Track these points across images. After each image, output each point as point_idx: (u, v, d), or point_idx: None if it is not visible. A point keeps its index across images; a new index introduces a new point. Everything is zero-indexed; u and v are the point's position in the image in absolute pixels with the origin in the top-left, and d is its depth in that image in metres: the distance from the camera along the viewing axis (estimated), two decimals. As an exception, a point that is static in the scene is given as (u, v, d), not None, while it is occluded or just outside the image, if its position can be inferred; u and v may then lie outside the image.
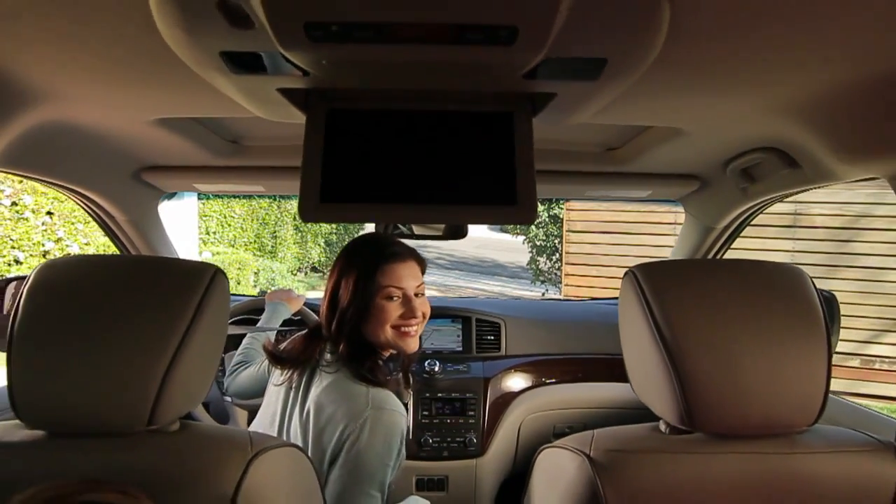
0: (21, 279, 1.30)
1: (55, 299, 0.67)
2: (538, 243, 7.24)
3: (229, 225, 7.74)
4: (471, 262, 10.95)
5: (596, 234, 5.53)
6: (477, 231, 12.77)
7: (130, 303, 0.66)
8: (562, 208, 6.18)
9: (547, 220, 7.03)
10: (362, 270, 0.99)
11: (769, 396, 0.68)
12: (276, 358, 1.07)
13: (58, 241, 5.56)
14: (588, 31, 0.45)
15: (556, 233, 6.89)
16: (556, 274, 7.03)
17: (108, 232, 1.38)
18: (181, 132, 0.99)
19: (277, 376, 1.09)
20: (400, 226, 1.18)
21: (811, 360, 0.69)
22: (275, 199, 8.42)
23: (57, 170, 1.05)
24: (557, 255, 6.91)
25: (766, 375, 0.68)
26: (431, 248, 11.75)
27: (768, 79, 0.65)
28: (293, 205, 9.17)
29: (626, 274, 0.76)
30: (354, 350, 1.00)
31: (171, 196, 1.40)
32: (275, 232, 8.51)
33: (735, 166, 1.09)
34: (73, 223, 5.68)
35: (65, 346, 0.65)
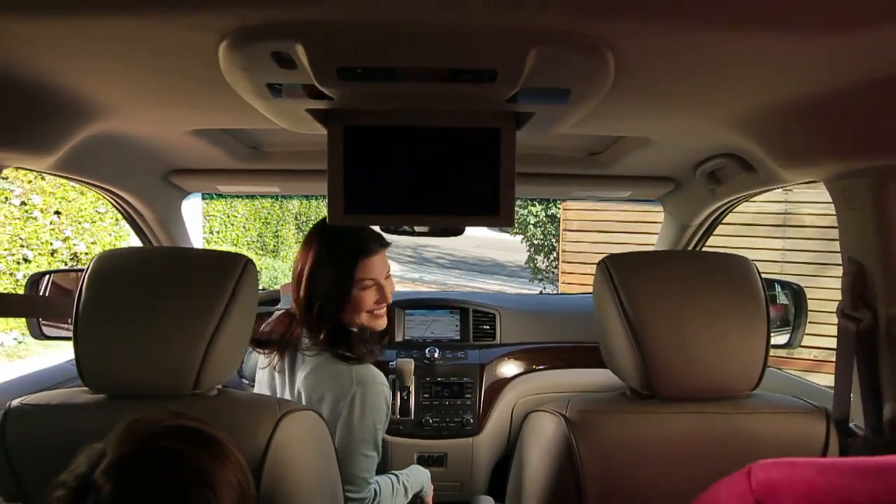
0: (46, 274, 1.43)
1: (113, 284, 0.80)
2: (536, 242, 7.37)
3: (232, 224, 7.86)
4: (470, 262, 11.06)
5: (591, 234, 5.67)
6: (476, 231, 12.89)
7: (176, 286, 0.79)
8: (558, 208, 6.31)
9: (545, 219, 7.16)
10: (340, 266, 1.07)
11: (716, 365, 0.81)
12: (258, 342, 1.14)
13: (65, 239, 5.68)
14: (550, 71, 0.59)
15: (553, 232, 7.02)
16: (553, 272, 7.16)
17: (136, 228, 1.51)
18: (209, 139, 1.12)
19: (263, 360, 1.16)
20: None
21: (752, 335, 0.82)
22: (277, 200, 8.55)
23: (98, 173, 1.18)
24: (555, 253, 7.04)
25: (713, 348, 0.81)
26: (432, 248, 11.87)
27: (712, 100, 0.78)
28: (294, 204, 9.31)
29: (599, 263, 0.89)
30: (336, 336, 1.08)
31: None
32: (277, 231, 8.65)
33: (703, 170, 1.22)
34: (80, 222, 5.80)
35: (123, 323, 0.78)
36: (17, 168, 0.93)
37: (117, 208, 1.44)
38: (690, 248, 1.62)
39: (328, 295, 1.08)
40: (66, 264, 5.62)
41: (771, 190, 1.23)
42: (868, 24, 0.50)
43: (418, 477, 1.25)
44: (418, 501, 1.27)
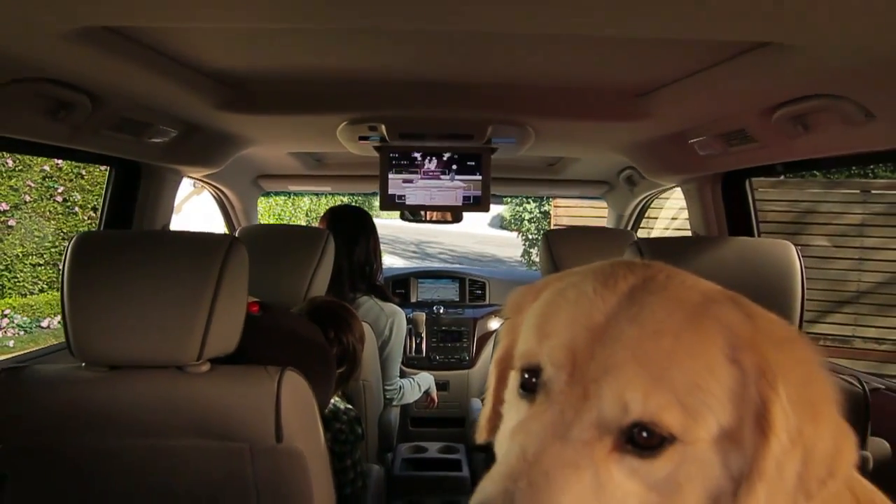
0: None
1: (249, 247, 1.38)
2: (530, 237, 7.96)
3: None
4: (471, 258, 11.53)
5: (580, 228, 6.25)
6: (477, 228, 13.43)
7: (288, 244, 1.37)
8: (550, 205, 6.89)
9: (538, 215, 7.75)
10: (375, 233, 1.66)
11: None
12: None
13: (102, 233, 6.26)
14: (500, 132, 1.18)
15: (545, 227, 7.61)
16: (546, 265, 7.73)
17: (225, 213, 2.10)
18: (293, 156, 1.71)
19: None
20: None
21: None
22: (289, 197, 9.14)
23: (218, 176, 1.77)
24: (548, 247, 7.60)
25: None
26: (434, 244, 12.35)
27: (597, 140, 1.37)
28: (305, 202, 9.95)
29: (542, 235, 1.47)
30: (379, 288, 1.68)
31: (269, 194, 2.13)
32: (289, 226, 9.22)
33: (622, 176, 1.82)
34: (114, 217, 6.39)
35: (258, 265, 1.36)
36: (189, 176, 1.53)
37: (216, 199, 2.03)
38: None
39: (379, 258, 1.69)
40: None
41: (669, 189, 1.81)
42: (637, 117, 1.09)
43: (426, 379, 1.86)
44: (428, 398, 1.87)
